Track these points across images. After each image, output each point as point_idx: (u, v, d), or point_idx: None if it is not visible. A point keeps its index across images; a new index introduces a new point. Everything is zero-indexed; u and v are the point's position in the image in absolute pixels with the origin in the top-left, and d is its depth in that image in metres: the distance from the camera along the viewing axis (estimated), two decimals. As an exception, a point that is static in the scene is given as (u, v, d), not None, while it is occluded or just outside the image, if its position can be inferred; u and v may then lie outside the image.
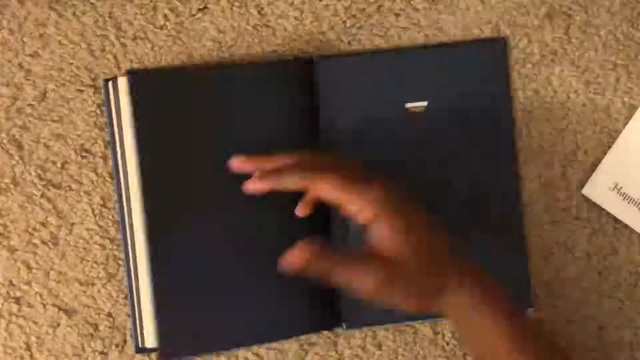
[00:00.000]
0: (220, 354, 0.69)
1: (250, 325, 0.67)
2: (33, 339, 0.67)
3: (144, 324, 0.66)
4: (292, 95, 0.67)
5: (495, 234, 0.69)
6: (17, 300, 0.67)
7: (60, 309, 0.68)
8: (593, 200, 0.70)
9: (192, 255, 0.66)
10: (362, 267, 0.58)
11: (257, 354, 0.69)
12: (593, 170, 0.70)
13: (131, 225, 0.66)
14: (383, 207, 0.58)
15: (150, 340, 0.66)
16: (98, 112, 0.68)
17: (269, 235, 0.67)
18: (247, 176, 0.65)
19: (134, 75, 0.66)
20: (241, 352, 0.69)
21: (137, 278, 0.66)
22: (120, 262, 0.68)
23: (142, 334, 0.67)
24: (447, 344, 0.70)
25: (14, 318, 0.67)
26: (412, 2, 0.70)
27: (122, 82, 0.65)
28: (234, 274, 0.66)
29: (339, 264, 0.58)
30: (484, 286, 0.59)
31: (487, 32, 0.70)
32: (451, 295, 0.59)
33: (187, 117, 0.66)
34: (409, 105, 0.68)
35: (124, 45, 0.68)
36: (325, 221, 0.68)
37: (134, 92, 0.65)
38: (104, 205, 0.68)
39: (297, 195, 0.66)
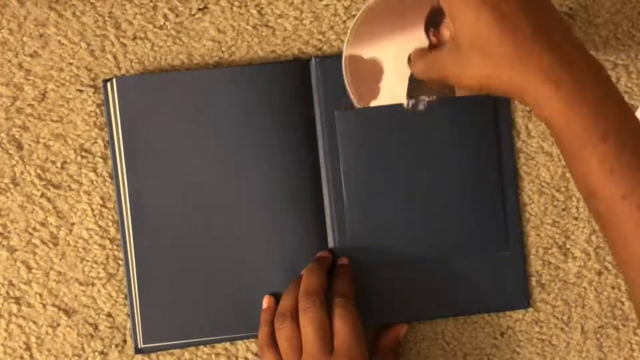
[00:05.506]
0: (213, 348, 0.69)
1: (232, 318, 0.68)
2: (33, 339, 0.67)
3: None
4: (290, 96, 0.67)
5: (494, 234, 0.69)
6: (17, 300, 0.67)
7: (60, 309, 0.68)
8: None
9: (175, 248, 0.67)
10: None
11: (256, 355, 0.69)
12: (593, 171, 0.70)
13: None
14: None
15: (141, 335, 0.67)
16: (98, 112, 0.68)
17: (257, 237, 0.67)
18: (243, 178, 0.66)
19: (122, 79, 0.66)
20: (241, 352, 0.69)
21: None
22: (120, 262, 0.68)
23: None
24: (447, 344, 0.70)
25: (13, 318, 0.67)
26: (412, 2, 0.70)
27: (113, 86, 0.66)
28: (218, 270, 0.67)
29: None
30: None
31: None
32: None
33: (181, 120, 0.67)
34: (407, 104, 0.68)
35: (123, 45, 0.68)
36: (320, 219, 0.68)
37: (123, 96, 0.66)
38: (103, 205, 0.68)
39: (291, 202, 0.67)
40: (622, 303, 0.71)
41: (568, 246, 0.71)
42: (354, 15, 0.69)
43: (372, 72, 0.64)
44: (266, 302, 0.67)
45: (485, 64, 0.55)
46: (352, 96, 0.64)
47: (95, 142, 0.68)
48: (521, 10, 0.54)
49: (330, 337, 0.62)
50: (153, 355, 0.68)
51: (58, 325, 0.68)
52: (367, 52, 0.64)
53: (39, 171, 0.67)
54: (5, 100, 0.67)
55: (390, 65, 0.64)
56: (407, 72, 0.63)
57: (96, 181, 0.68)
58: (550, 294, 0.71)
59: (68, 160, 0.68)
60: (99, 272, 0.68)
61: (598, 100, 0.53)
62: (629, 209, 0.52)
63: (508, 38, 0.54)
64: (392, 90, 0.64)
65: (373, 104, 0.65)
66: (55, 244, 0.68)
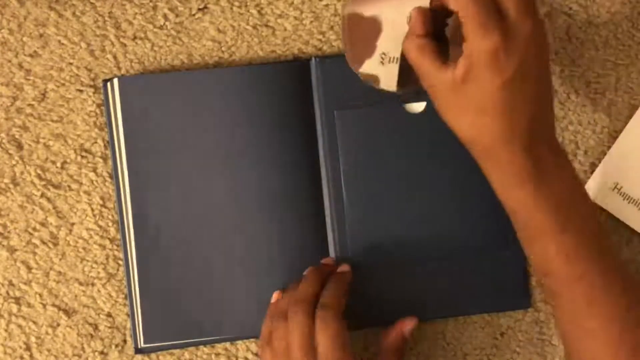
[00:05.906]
0: (213, 348, 0.69)
1: (235, 319, 0.68)
2: (33, 339, 0.67)
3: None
4: (290, 96, 0.67)
5: (494, 234, 0.69)
6: (17, 300, 0.67)
7: (60, 309, 0.68)
8: (593, 200, 0.70)
9: (175, 248, 0.67)
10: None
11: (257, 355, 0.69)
12: (593, 170, 0.70)
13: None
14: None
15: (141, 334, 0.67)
16: (98, 112, 0.68)
17: (258, 237, 0.67)
18: (243, 178, 0.66)
19: (123, 79, 0.66)
20: (241, 352, 0.69)
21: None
22: (120, 262, 0.68)
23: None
24: (448, 344, 0.70)
25: (13, 318, 0.67)
26: (412, 2, 0.69)
27: (114, 86, 0.66)
28: (218, 270, 0.67)
29: None
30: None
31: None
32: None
33: (181, 119, 0.67)
34: (408, 105, 0.68)
35: (123, 45, 0.68)
36: (320, 219, 0.68)
37: (123, 96, 0.66)
38: (103, 205, 0.68)
39: (291, 202, 0.67)
40: (622, 303, 0.71)
41: (568, 246, 0.71)
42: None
43: (371, 29, 0.63)
44: (275, 297, 0.66)
45: (473, 111, 0.56)
46: (346, 54, 0.63)
47: (95, 142, 0.68)
48: (525, 82, 0.54)
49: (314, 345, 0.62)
50: (153, 355, 0.68)
51: (58, 325, 0.68)
52: (367, 9, 0.63)
53: (39, 171, 0.67)
54: (5, 100, 0.67)
55: (389, 23, 0.63)
56: (404, 31, 0.62)
57: (96, 181, 0.68)
58: (550, 294, 0.71)
59: (68, 160, 0.68)
60: (99, 272, 0.68)
61: (559, 191, 0.56)
62: (583, 290, 0.56)
63: (506, 104, 0.54)
64: (386, 48, 0.63)
65: (367, 61, 0.63)
66: (55, 244, 0.68)
